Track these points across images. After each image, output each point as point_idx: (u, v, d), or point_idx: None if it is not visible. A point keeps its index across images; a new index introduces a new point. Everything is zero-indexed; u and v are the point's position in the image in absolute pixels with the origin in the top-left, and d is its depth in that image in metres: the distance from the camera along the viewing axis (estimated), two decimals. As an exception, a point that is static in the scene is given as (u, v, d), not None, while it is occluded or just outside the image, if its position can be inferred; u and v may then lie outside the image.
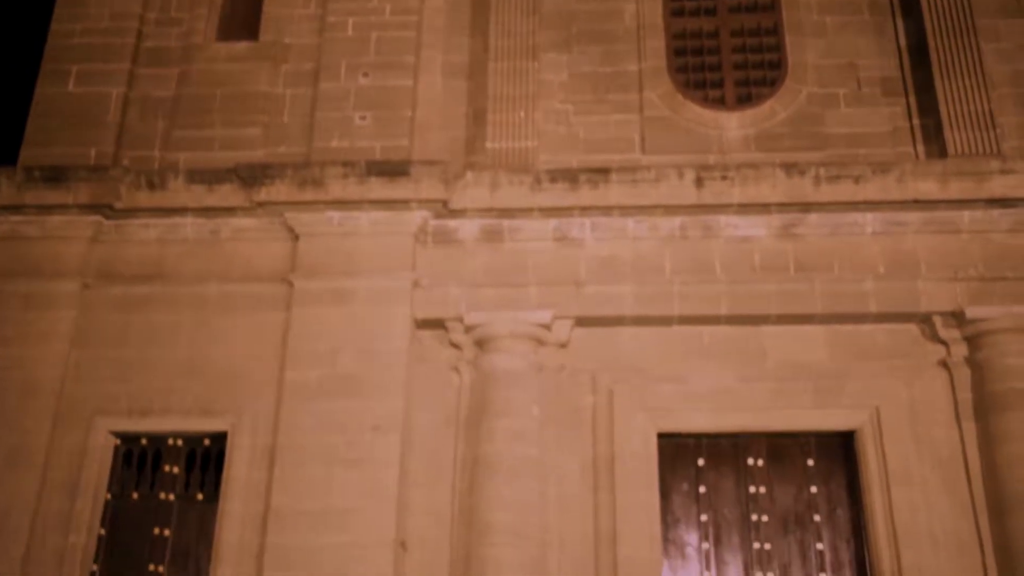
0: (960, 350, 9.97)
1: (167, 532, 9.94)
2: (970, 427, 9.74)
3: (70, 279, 10.36)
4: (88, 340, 10.27)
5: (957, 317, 9.90)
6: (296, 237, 10.45)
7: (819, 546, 9.89)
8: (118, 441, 10.18)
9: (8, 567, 9.32)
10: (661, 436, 10.09)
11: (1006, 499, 9.20)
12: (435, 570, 9.56)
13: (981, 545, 9.35)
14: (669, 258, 10.33)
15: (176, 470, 10.17)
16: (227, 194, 10.54)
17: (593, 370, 10.29)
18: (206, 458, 10.20)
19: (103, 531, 9.88)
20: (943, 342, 10.06)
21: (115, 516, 9.99)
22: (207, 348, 10.22)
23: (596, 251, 10.41)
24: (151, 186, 10.55)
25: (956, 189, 10.04)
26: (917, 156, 10.75)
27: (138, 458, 10.23)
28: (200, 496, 10.09)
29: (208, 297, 10.44)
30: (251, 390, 10.05)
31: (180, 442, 10.23)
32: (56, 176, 10.49)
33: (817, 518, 9.98)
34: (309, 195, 10.33)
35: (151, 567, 9.80)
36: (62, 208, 10.47)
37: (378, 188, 10.30)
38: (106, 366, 10.17)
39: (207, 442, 10.20)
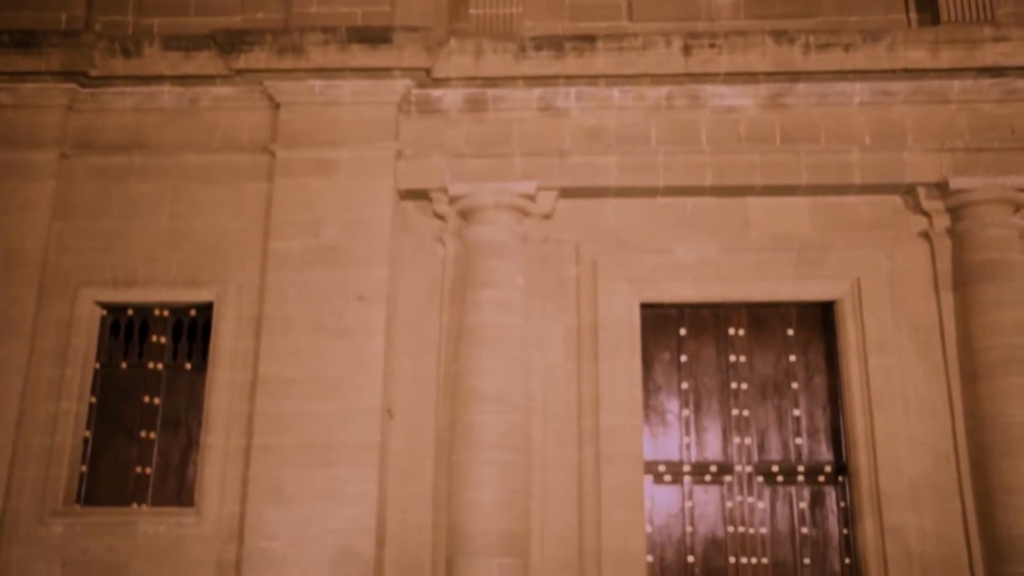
0: (942, 221, 10.03)
1: (157, 400, 10.10)
2: (948, 297, 9.89)
3: (48, 149, 10.21)
4: (69, 211, 10.21)
5: (941, 188, 9.93)
6: (277, 106, 10.28)
7: (796, 412, 10.16)
8: (104, 312, 10.23)
9: (4, 431, 9.51)
10: (644, 306, 10.21)
11: (978, 366, 9.42)
12: (421, 436, 9.80)
13: (952, 410, 9.63)
14: (655, 128, 10.24)
15: (163, 340, 10.27)
16: (205, 62, 10.30)
17: (577, 241, 10.32)
18: (193, 328, 10.29)
19: (94, 399, 10.04)
20: (926, 213, 10.11)
21: (105, 385, 10.12)
22: (190, 219, 10.19)
23: (581, 121, 10.29)
24: (126, 53, 10.29)
25: (947, 58, 9.91)
26: (909, 23, 10.56)
27: (125, 328, 10.31)
28: (188, 365, 10.21)
29: (189, 167, 10.34)
30: (235, 261, 10.07)
31: (166, 312, 10.29)
32: (26, 41, 10.19)
33: (795, 386, 10.22)
34: (289, 63, 10.11)
35: (142, 434, 10.00)
36: (35, 75, 10.23)
37: (360, 55, 10.08)
38: (89, 237, 10.14)
39: (193, 312, 10.27)
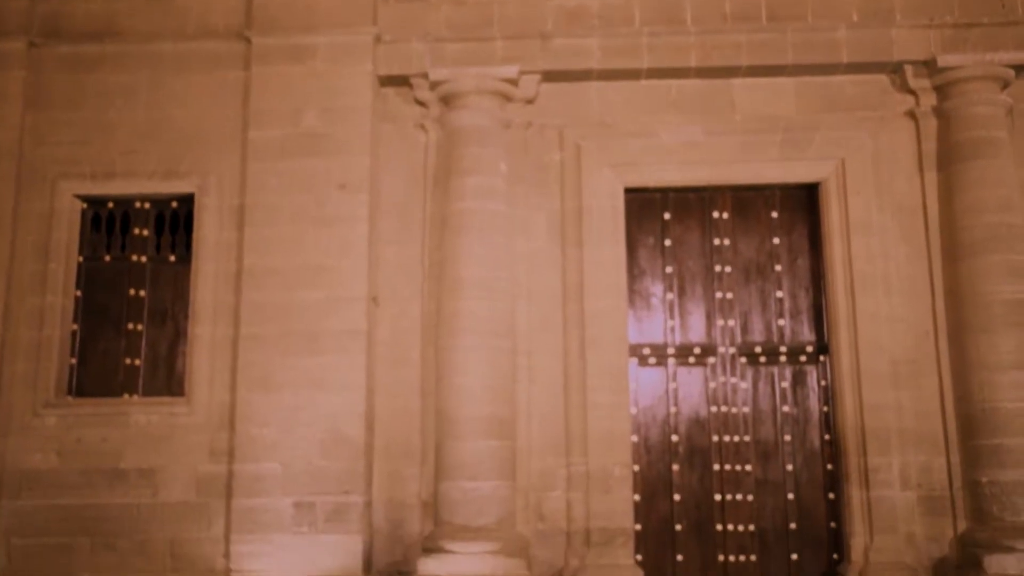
0: (929, 100, 9.94)
1: (142, 293, 10.12)
2: (932, 177, 9.87)
3: (15, 37, 9.95)
4: (42, 102, 10.03)
5: (929, 66, 9.80)
6: (250, -11, 10.01)
7: (779, 294, 10.25)
8: (84, 205, 10.15)
9: (-10, 324, 9.57)
10: (628, 191, 10.17)
11: (960, 246, 9.47)
12: (407, 323, 9.87)
13: (932, 289, 9.73)
14: (638, 8, 10.00)
15: (146, 233, 10.22)
16: (174, -57, 9.99)
17: (560, 126, 10.21)
18: (175, 220, 10.24)
19: (79, 293, 10.05)
20: (912, 92, 10.00)
21: (89, 278, 10.11)
22: (167, 109, 10.02)
23: (563, 2, 10.03)
24: (91, -66, 9.95)
25: (937, -71, 9.66)
26: None
27: (106, 222, 10.24)
28: (172, 258, 10.19)
29: (164, 55, 10.11)
30: (215, 151, 9.95)
31: (147, 205, 10.22)
32: (-13, -76, 9.85)
33: (778, 268, 10.28)
34: (261, -57, 9.80)
35: (129, 326, 10.05)
36: (-3, -40, 9.93)
37: (334, -65, 9.78)
38: (64, 129, 9.99)
39: (174, 204, 10.20)
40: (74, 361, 9.95)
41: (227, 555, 9.10)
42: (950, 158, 9.69)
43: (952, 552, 9.28)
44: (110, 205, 10.20)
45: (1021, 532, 8.74)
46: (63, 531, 9.29)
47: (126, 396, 9.84)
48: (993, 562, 8.63)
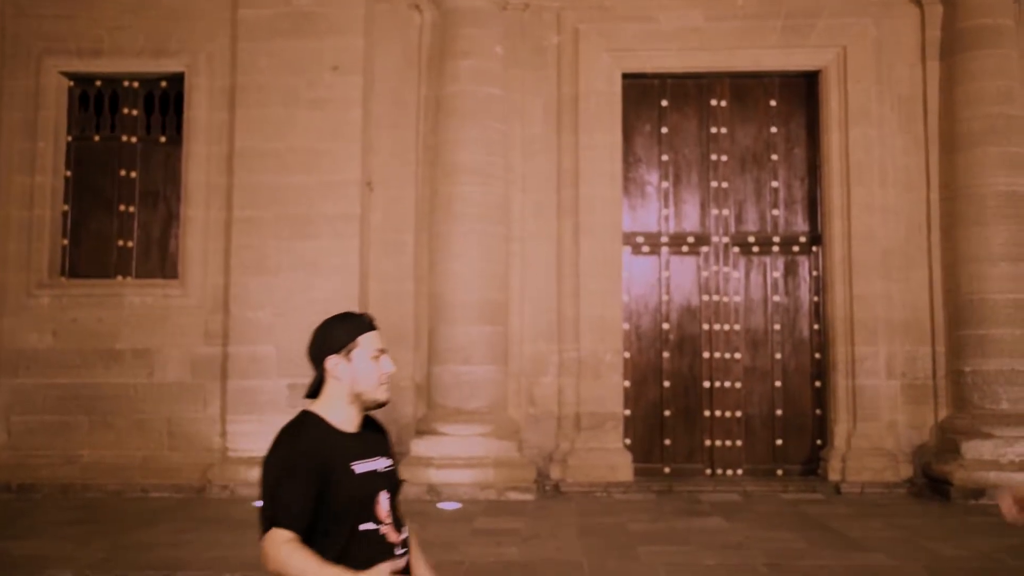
0: (936, -16, 9.74)
1: (133, 174, 10.03)
2: (934, 66, 9.74)
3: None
4: (23, -29, 9.74)
5: (937, -51, 9.56)
6: None
7: (774, 184, 10.22)
8: (71, 83, 9.98)
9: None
10: (626, 76, 10.02)
11: (958, 136, 9.41)
12: (401, 208, 9.83)
13: (928, 181, 9.71)
14: None
15: (135, 112, 10.08)
16: None
17: (558, 8, 9.98)
18: (165, 100, 10.07)
19: (69, 173, 9.96)
20: (919, -24, 9.78)
21: (79, 158, 10.02)
22: (154, -18, 9.76)
23: None
24: None
25: None
26: None
27: (94, 100, 10.07)
28: (163, 139, 10.07)
29: (148, -73, 9.78)
30: (204, 29, 9.73)
31: (136, 84, 10.04)
32: None
33: (775, 157, 10.23)
34: None
35: (121, 207, 9.99)
36: None
37: None
38: (47, 1, 9.71)
39: (164, 84, 10.02)
40: (66, 242, 9.93)
41: (223, 435, 9.27)
42: (953, 47, 9.53)
43: (932, 439, 9.51)
44: (98, 83, 10.01)
45: (1000, 419, 8.94)
46: (61, 409, 9.43)
47: (119, 278, 9.86)
48: (971, 448, 8.85)
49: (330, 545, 2.49)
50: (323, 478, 2.49)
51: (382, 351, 2.65)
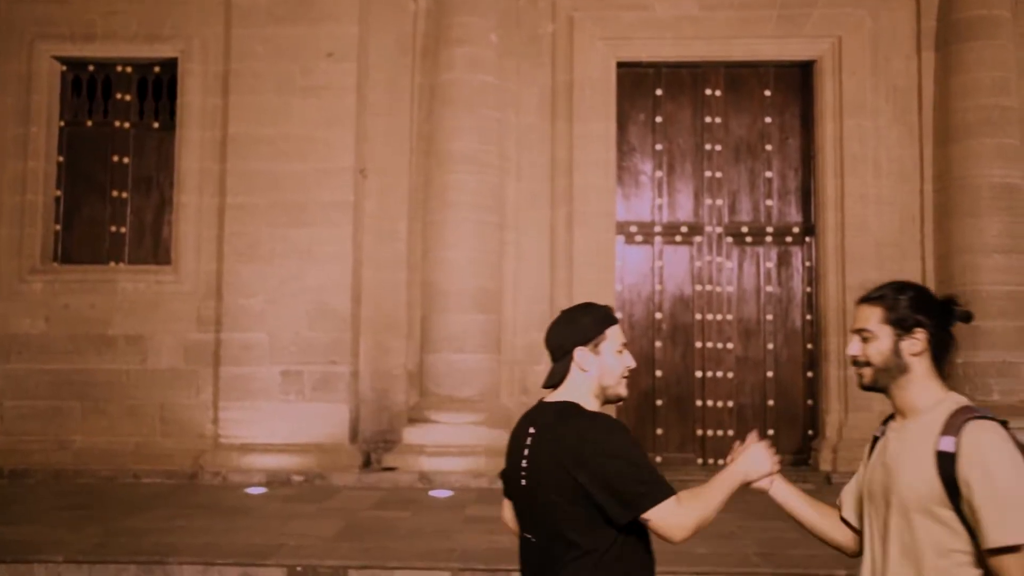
0: (932, -25, 9.72)
1: (126, 160, 10.00)
2: (929, 57, 9.74)
3: None
4: (15, -44, 9.69)
5: (933, -59, 9.54)
6: None
7: (768, 174, 10.22)
8: (64, 67, 9.93)
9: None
10: (621, 65, 10.01)
11: (953, 127, 9.41)
12: (395, 196, 9.81)
13: (922, 172, 9.72)
14: None
15: (128, 98, 10.04)
16: None
17: (553, -4, 9.97)
18: (158, 86, 10.03)
19: (61, 158, 9.92)
20: (916, -33, 9.77)
21: (72, 143, 9.98)
22: (146, -33, 9.70)
23: None
24: None
25: None
26: None
27: (87, 85, 10.03)
28: (156, 124, 10.04)
29: (142, -89, 9.71)
30: (198, 14, 9.69)
31: (129, 69, 10.00)
32: None
33: (769, 147, 10.23)
34: None
35: (114, 193, 9.96)
36: None
37: None
38: (39, -14, 9.68)
39: (157, 69, 9.98)
40: (59, 228, 9.90)
41: (216, 421, 9.27)
42: (948, 38, 9.53)
43: (923, 430, 9.53)
44: (91, 68, 9.97)
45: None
46: (54, 395, 9.41)
47: (112, 264, 9.84)
48: (962, 439, 8.86)
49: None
50: None
51: (625, 345, 2.60)
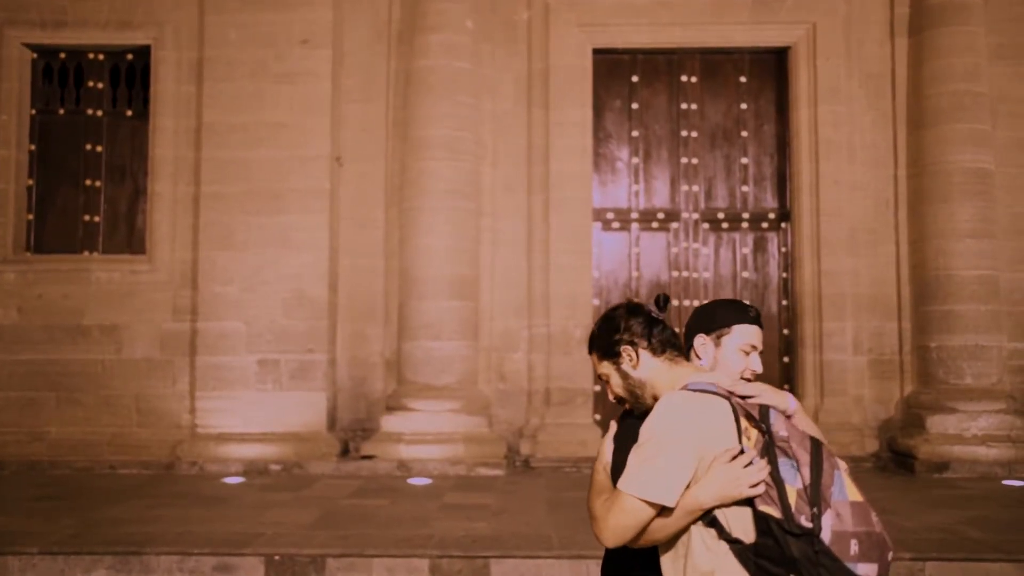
0: (904, -39, 9.77)
1: (99, 148, 9.90)
2: (902, 43, 9.79)
3: None
4: (-16, -57, 9.54)
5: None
6: None
7: (744, 160, 10.26)
8: (34, 55, 9.81)
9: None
10: (596, 52, 10.00)
11: (925, 113, 9.48)
12: (371, 183, 9.78)
13: (896, 157, 9.79)
14: None
15: (101, 85, 9.93)
16: None
17: (529, -18, 9.93)
18: (131, 73, 9.93)
19: (33, 147, 9.82)
20: (889, -47, 9.81)
21: (43, 132, 9.87)
22: (117, -47, 9.59)
23: None
24: None
25: None
26: None
27: (59, 73, 9.91)
28: (129, 112, 9.94)
29: None
30: (171, 0, 9.58)
31: (101, 56, 9.89)
32: None
33: (744, 134, 10.26)
34: None
35: (87, 182, 9.87)
36: None
37: None
38: (8, -28, 9.55)
39: (130, 57, 9.88)
40: (31, 217, 9.80)
41: (192, 411, 9.23)
42: (921, 23, 9.58)
43: (898, 413, 9.64)
44: (62, 56, 9.86)
45: (964, 394, 9.07)
46: (28, 386, 9.34)
47: (86, 253, 9.75)
48: (935, 422, 8.98)
49: None
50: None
51: (754, 347, 2.55)
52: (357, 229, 9.73)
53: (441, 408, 9.02)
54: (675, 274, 10.16)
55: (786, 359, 10.07)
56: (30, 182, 9.78)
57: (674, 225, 10.19)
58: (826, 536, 2.09)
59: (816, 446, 2.21)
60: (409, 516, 6.68)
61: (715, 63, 10.29)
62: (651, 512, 2.18)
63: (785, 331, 10.11)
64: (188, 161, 9.47)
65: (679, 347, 2.46)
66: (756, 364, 2.54)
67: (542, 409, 9.64)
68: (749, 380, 2.50)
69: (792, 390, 9.93)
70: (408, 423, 8.99)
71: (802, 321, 9.80)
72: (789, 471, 2.14)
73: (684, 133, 10.23)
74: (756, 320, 2.57)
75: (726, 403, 2.22)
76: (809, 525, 2.10)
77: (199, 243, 9.28)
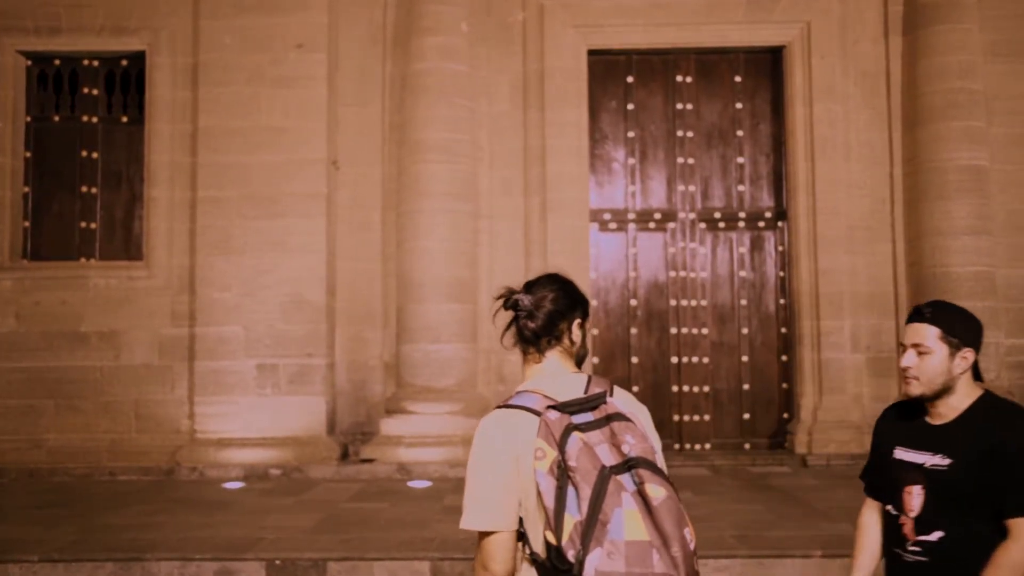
0: (899, -41, 9.79)
1: (95, 155, 9.90)
2: (897, 41, 9.81)
3: None
4: (-22, -50, 9.54)
5: (901, -79, 9.60)
6: None
7: (740, 160, 10.27)
8: (29, 62, 9.81)
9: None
10: (592, 53, 10.01)
11: (920, 111, 9.50)
12: (368, 187, 9.78)
13: (891, 155, 9.81)
14: None
15: (96, 92, 9.93)
16: None
17: (524, -16, 9.94)
18: (126, 79, 9.93)
19: (28, 154, 9.81)
20: (883, -49, 9.83)
21: (39, 139, 9.88)
22: (111, -41, 9.59)
23: None
24: None
25: None
26: None
27: (54, 80, 9.91)
28: (125, 118, 9.94)
29: (106, -98, 9.59)
30: (165, 6, 9.60)
31: (96, 63, 9.90)
32: None
33: (740, 133, 10.28)
34: None
35: (84, 188, 9.86)
36: None
37: None
38: (3, -21, 9.55)
39: (125, 63, 9.88)
40: (27, 224, 9.80)
41: (192, 416, 9.22)
42: (916, 22, 9.60)
43: (896, 410, 9.63)
44: (56, 62, 9.86)
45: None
46: (27, 393, 9.32)
47: (83, 260, 9.75)
48: (934, 419, 8.97)
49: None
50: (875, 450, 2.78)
51: (908, 345, 2.61)
52: (355, 232, 9.73)
53: (441, 410, 9.02)
54: (673, 274, 10.16)
55: (784, 358, 10.08)
56: (26, 189, 9.78)
57: (671, 225, 10.20)
58: (589, 575, 1.98)
59: (601, 482, 2.03)
60: (410, 519, 6.67)
61: (710, 63, 10.30)
62: (493, 539, 2.14)
63: (783, 330, 10.11)
64: (184, 166, 9.47)
65: (529, 340, 2.37)
66: (907, 360, 2.59)
67: (541, 410, 9.60)
68: (906, 376, 2.59)
69: (790, 388, 9.96)
70: (408, 426, 8.98)
71: (800, 320, 9.81)
72: (573, 501, 2.03)
73: (680, 133, 10.24)
74: (913, 318, 2.62)
75: (534, 422, 2.14)
76: (572, 562, 2.00)
77: (196, 248, 9.28)
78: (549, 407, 2.14)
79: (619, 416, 2.16)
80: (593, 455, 2.06)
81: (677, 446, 9.95)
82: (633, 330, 10.11)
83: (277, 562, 5.53)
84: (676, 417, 10.02)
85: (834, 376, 9.65)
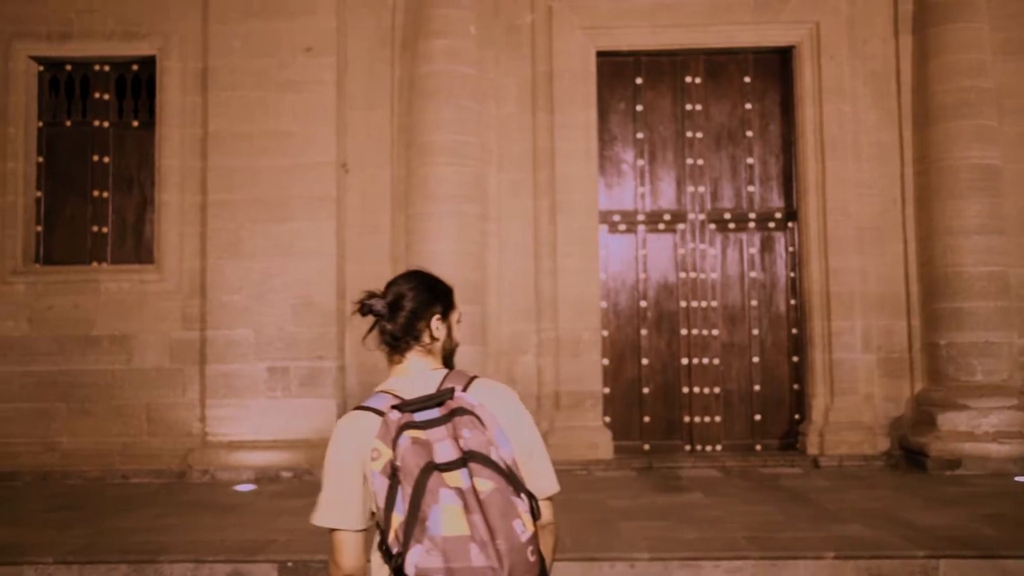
0: (908, -43, 9.76)
1: (106, 159, 9.94)
2: (906, 40, 9.78)
3: None
4: (-10, -44, 9.60)
5: (914, -81, 9.57)
6: None
7: (749, 160, 10.25)
8: (41, 67, 9.86)
9: (-51, 188, 9.39)
10: (600, 54, 10.01)
11: (931, 110, 9.46)
12: (377, 189, 9.80)
13: (902, 155, 9.78)
14: None
15: (107, 97, 9.98)
16: None
17: (532, -14, 9.95)
18: (136, 84, 9.98)
19: (41, 159, 9.86)
20: (893, -51, 9.80)
21: (51, 143, 9.92)
22: (122, -36, 9.64)
23: None
24: None
25: None
26: None
27: (65, 85, 9.96)
28: (135, 123, 9.98)
29: (115, -92, 9.64)
30: (175, 11, 9.64)
31: (107, 68, 9.94)
32: None
33: (749, 134, 10.26)
34: None
35: (95, 193, 9.91)
36: None
37: None
38: (14, -15, 9.60)
39: (135, 67, 9.92)
40: (40, 228, 9.85)
41: (203, 419, 9.25)
42: (925, 20, 9.57)
43: (908, 411, 9.62)
44: (68, 68, 9.91)
45: (974, 391, 9.05)
46: (39, 397, 9.37)
47: (95, 263, 9.79)
48: (946, 420, 8.96)
49: None
50: None
51: None
52: (364, 235, 9.75)
53: (450, 413, 9.00)
54: (683, 275, 10.15)
55: (795, 358, 10.05)
56: (38, 194, 9.83)
57: (681, 226, 10.19)
58: (410, 572, 2.03)
59: (422, 479, 2.07)
60: (421, 521, 6.67)
61: (719, 64, 10.29)
62: (338, 536, 2.24)
63: (794, 330, 10.09)
64: (195, 170, 9.51)
65: (388, 343, 2.42)
66: None
67: (552, 412, 9.64)
68: None
69: (802, 389, 9.93)
70: (419, 428, 8.96)
71: (811, 320, 9.78)
72: (400, 500, 2.09)
73: (689, 134, 10.23)
74: None
75: (376, 421, 2.19)
76: (399, 561, 2.06)
77: (207, 252, 9.31)
78: (392, 407, 2.19)
79: (462, 411, 2.18)
80: (420, 452, 2.10)
81: (688, 447, 9.94)
82: (643, 331, 10.10)
83: (289, 564, 5.55)
84: (687, 418, 10.01)
85: (845, 377, 9.62)
